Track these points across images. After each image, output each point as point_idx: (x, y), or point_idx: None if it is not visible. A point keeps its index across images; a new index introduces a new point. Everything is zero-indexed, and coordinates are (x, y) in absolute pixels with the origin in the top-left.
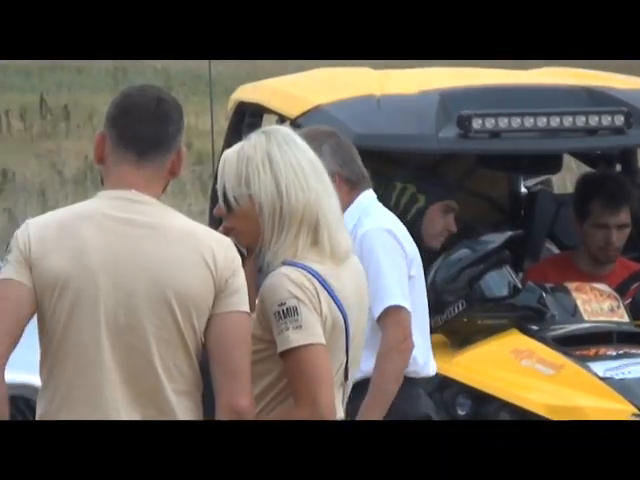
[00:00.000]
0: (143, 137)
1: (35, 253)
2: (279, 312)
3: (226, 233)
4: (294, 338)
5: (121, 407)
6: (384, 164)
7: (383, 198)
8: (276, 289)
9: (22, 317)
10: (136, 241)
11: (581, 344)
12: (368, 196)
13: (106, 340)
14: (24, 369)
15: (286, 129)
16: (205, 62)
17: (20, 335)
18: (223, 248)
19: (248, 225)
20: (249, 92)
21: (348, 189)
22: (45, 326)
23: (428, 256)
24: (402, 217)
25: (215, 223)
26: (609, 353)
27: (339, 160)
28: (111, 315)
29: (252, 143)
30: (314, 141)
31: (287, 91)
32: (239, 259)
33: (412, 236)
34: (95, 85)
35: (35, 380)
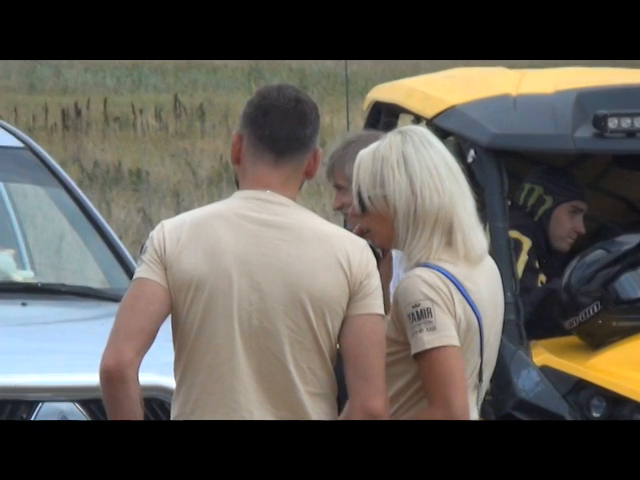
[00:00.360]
0: (282, 138)
1: (170, 253)
2: (413, 314)
3: (360, 234)
4: (428, 340)
5: (254, 408)
6: (515, 164)
7: (511, 198)
8: (410, 291)
9: (156, 316)
10: (270, 242)
11: None
12: None
13: (239, 342)
14: (158, 371)
15: (422, 129)
16: (340, 62)
17: (154, 334)
18: (358, 250)
19: (382, 226)
20: (385, 92)
21: None
22: (179, 327)
23: (556, 257)
24: (529, 218)
25: (350, 224)
26: None
27: None
28: (245, 317)
29: (387, 143)
30: (366, 145)
31: (423, 91)
32: (374, 261)
33: (539, 237)
34: (230, 85)
35: (169, 382)
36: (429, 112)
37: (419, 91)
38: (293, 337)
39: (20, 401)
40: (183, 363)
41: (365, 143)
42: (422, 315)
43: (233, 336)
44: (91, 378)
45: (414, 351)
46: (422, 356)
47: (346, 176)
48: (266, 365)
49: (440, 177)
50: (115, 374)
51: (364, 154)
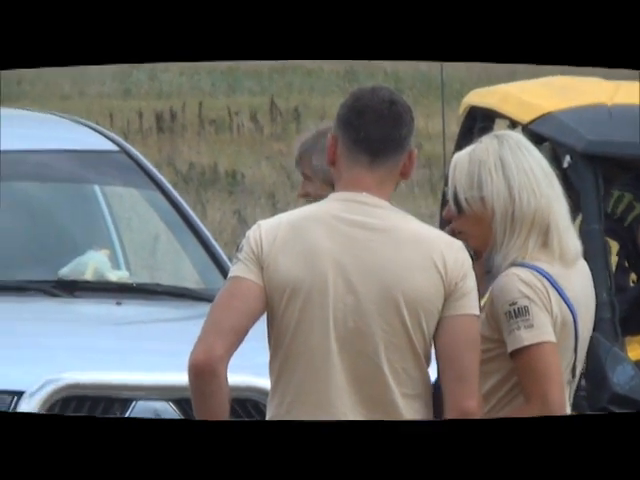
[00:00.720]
0: (377, 139)
1: (266, 253)
2: (510, 312)
3: (452, 234)
4: (526, 337)
5: (348, 410)
6: (607, 171)
7: (603, 204)
8: (507, 289)
9: (251, 314)
10: (366, 244)
11: None
12: None
13: (334, 344)
14: (252, 372)
15: (517, 134)
16: (435, 65)
17: (246, 332)
18: (453, 251)
19: (478, 228)
20: (481, 96)
21: None
22: (274, 328)
23: None
24: (618, 224)
25: (445, 226)
26: None
27: None
28: (340, 319)
29: (484, 146)
30: (323, 137)
31: (519, 97)
32: (469, 262)
33: (627, 241)
34: (326, 87)
35: (263, 383)
36: (525, 117)
37: (515, 96)
38: (387, 338)
39: (114, 399)
40: (279, 363)
41: None
42: (519, 313)
43: (328, 337)
44: (185, 377)
45: (511, 348)
46: (519, 353)
47: (313, 166)
48: (360, 366)
49: (537, 180)
50: (206, 368)
51: (460, 157)
